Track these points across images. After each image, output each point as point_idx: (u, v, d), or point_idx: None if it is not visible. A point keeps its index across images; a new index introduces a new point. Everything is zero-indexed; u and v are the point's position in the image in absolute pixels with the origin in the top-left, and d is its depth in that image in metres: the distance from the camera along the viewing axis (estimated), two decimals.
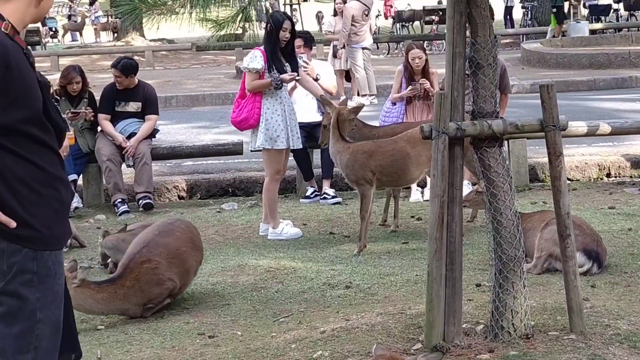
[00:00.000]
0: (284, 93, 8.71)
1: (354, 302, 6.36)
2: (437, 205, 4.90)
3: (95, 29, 42.67)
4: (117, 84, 10.53)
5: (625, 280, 6.59)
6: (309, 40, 10.52)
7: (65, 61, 27.11)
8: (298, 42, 10.21)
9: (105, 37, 40.78)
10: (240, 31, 5.30)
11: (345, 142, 8.23)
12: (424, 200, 9.51)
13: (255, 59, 8.54)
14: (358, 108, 8.66)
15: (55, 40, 37.94)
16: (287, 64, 8.62)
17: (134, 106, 10.55)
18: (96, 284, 6.44)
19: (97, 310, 6.36)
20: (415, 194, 10.03)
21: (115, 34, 31.63)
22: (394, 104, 10.28)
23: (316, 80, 9.49)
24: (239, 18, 5.10)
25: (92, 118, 10.40)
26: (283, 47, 8.60)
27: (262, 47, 8.58)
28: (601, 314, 5.42)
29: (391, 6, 35.14)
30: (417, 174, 8.18)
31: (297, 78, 8.72)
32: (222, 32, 5.21)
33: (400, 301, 6.20)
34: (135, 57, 27.60)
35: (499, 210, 5.04)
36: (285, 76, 8.54)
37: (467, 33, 5.00)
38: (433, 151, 4.92)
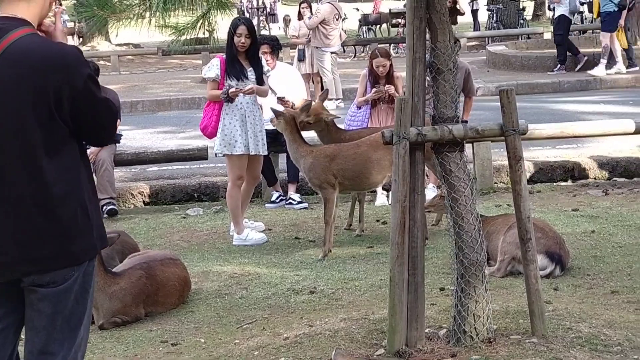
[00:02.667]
0: (245, 99, 8.58)
1: (318, 308, 6.35)
2: (399, 211, 4.90)
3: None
4: None
5: (587, 283, 6.63)
6: (275, 46, 10.49)
7: None
8: (264, 48, 10.20)
9: (72, 41, 40.55)
10: (202, 35, 5.25)
11: (308, 146, 8.23)
12: (390, 204, 9.51)
13: (211, 68, 8.55)
14: (307, 106, 8.62)
15: None
16: (251, 68, 8.58)
17: None
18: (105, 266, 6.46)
19: None
20: (381, 198, 10.05)
21: (81, 39, 31.39)
22: (359, 107, 10.27)
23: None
24: (199, 24, 5.07)
25: None
26: (246, 53, 8.58)
27: (223, 55, 8.59)
28: (563, 317, 5.44)
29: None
30: (379, 178, 8.17)
31: (246, 91, 8.48)
32: (182, 38, 5.18)
33: (364, 306, 6.20)
34: (101, 62, 27.56)
35: (461, 214, 5.05)
36: (232, 90, 8.43)
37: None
38: (394, 156, 4.92)
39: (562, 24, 20.30)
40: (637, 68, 19.52)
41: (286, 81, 10.26)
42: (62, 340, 3.56)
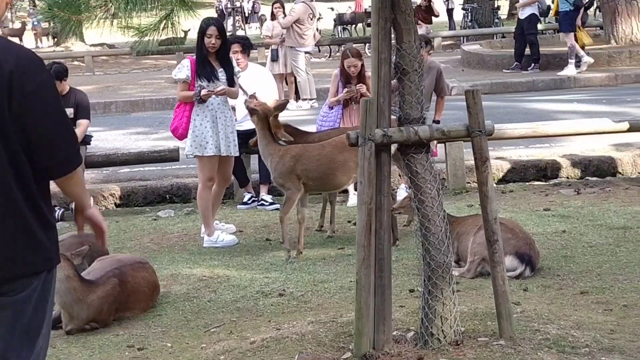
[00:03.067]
0: (216, 100, 8.55)
1: (286, 311, 6.30)
2: (365, 213, 4.86)
3: (35, 34, 42.14)
4: None
5: (557, 283, 6.61)
6: (246, 45, 10.42)
7: None
8: (235, 47, 10.15)
9: (47, 42, 40.29)
10: (164, 36, 5.19)
11: (277, 145, 8.18)
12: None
13: (181, 69, 8.52)
14: (282, 105, 8.57)
15: None
16: (221, 69, 8.54)
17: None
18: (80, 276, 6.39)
19: (62, 292, 6.19)
20: (353, 198, 9.99)
21: (55, 39, 31.26)
22: (331, 108, 10.22)
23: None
24: (162, 25, 5.01)
25: None
26: (217, 54, 8.53)
27: (194, 55, 8.54)
28: (531, 319, 5.42)
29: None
30: (344, 180, 8.13)
31: (218, 92, 8.44)
32: (145, 39, 5.12)
33: (333, 308, 6.16)
34: (75, 63, 27.42)
35: (427, 216, 5.01)
36: (203, 92, 8.40)
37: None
38: (360, 158, 4.88)
39: (533, 23, 20.33)
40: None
41: (258, 82, 10.20)
42: (21, 350, 3.49)
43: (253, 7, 42.85)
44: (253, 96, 8.82)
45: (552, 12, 20.85)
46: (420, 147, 5.00)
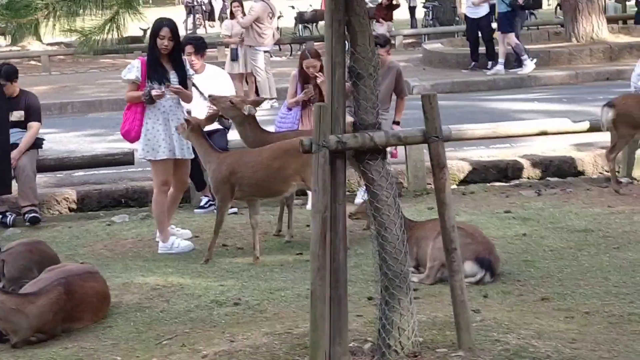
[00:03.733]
0: (168, 102, 8.37)
1: (241, 321, 6.12)
2: (319, 222, 4.71)
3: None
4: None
5: (517, 289, 6.49)
6: (200, 46, 10.20)
7: None
8: (188, 48, 9.96)
9: (4, 41, 39.76)
10: (110, 39, 5.00)
11: (215, 152, 8.16)
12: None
13: (131, 70, 8.35)
14: (258, 101, 8.49)
15: None
16: (174, 72, 8.36)
17: (16, 115, 10.14)
18: (2, 289, 6.28)
19: None
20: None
21: (12, 39, 30.79)
22: (289, 109, 10.04)
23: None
24: (107, 27, 4.82)
25: None
26: (169, 56, 8.35)
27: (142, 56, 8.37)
28: (491, 328, 5.30)
29: None
30: (283, 187, 8.03)
31: (172, 90, 8.30)
32: (90, 43, 4.93)
33: (290, 318, 5.99)
34: (32, 62, 27.01)
35: (384, 224, 4.87)
36: (153, 92, 8.22)
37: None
38: (313, 165, 4.72)
39: (489, 22, 20.24)
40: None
41: (215, 83, 10.00)
42: None
43: (224, 4, 42.43)
44: (212, 97, 8.72)
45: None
46: (376, 154, 4.85)
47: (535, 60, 19.47)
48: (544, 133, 10.39)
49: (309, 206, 9.66)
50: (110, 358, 5.61)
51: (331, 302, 4.84)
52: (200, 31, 41.37)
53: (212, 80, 10.04)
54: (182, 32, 36.05)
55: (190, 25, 41.76)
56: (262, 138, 8.70)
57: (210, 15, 41.42)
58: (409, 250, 6.96)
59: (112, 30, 4.82)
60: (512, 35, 19.16)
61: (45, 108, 19.18)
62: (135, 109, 8.39)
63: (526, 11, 21.21)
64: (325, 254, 4.75)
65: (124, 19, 4.82)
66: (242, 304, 6.51)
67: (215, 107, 8.84)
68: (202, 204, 10.15)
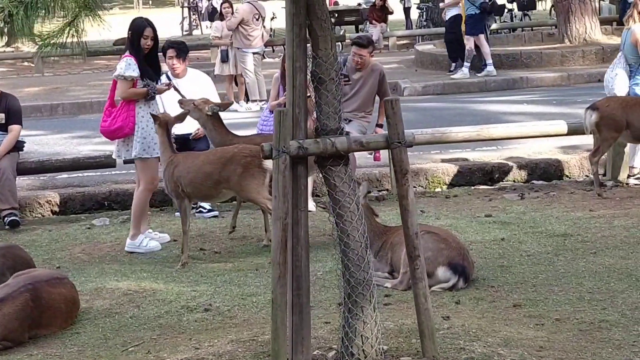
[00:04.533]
0: (155, 102, 8.60)
1: (210, 327, 6.06)
2: (280, 228, 4.64)
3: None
4: None
5: (491, 295, 6.41)
6: (181, 50, 10.14)
7: None
8: (170, 52, 9.92)
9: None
10: (70, 42, 4.94)
11: (171, 153, 8.26)
12: (315, 210, 9.12)
13: (130, 67, 8.32)
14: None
15: None
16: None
17: None
18: None
19: None
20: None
21: (6, 39, 30.75)
22: (271, 112, 9.98)
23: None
24: (66, 31, 4.76)
25: None
26: (148, 55, 8.43)
27: (130, 55, 8.33)
28: (458, 336, 5.23)
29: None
30: (213, 192, 8.16)
31: (171, 86, 8.77)
32: (48, 48, 4.87)
33: (258, 324, 5.93)
34: (25, 63, 26.93)
35: (346, 231, 4.80)
36: (161, 87, 8.53)
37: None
38: (274, 171, 4.66)
39: (457, 24, 20.18)
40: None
41: (197, 86, 9.94)
42: None
43: (221, 5, 42.34)
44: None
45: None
46: (338, 159, 4.78)
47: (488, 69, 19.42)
48: (527, 136, 10.33)
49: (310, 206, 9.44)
50: None
51: (293, 310, 4.78)
52: (196, 32, 41.39)
53: (194, 84, 9.97)
54: (178, 34, 36.11)
55: (186, 27, 41.73)
56: (226, 140, 8.80)
57: (210, 16, 41.31)
58: (383, 255, 7.03)
59: (72, 34, 4.74)
60: (482, 37, 19.14)
61: (36, 109, 19.22)
62: (129, 106, 8.44)
63: (492, 15, 21.08)
64: (287, 261, 4.68)
65: (83, 23, 4.75)
66: (213, 309, 6.45)
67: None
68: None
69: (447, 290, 6.55)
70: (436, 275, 6.63)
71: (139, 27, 8.40)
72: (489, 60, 19.29)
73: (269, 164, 7.78)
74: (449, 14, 20.24)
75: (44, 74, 25.43)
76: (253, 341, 5.37)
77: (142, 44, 8.34)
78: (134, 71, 8.31)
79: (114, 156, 8.83)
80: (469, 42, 19.19)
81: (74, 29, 4.75)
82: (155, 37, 8.42)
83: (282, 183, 4.63)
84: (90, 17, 4.78)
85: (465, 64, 19.22)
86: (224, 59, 17.92)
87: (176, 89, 9.54)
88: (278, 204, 4.64)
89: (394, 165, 4.81)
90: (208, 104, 8.76)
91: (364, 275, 4.82)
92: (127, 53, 8.39)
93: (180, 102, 8.91)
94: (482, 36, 19.13)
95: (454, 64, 20.18)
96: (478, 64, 19.46)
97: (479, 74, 19.22)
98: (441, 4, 20.06)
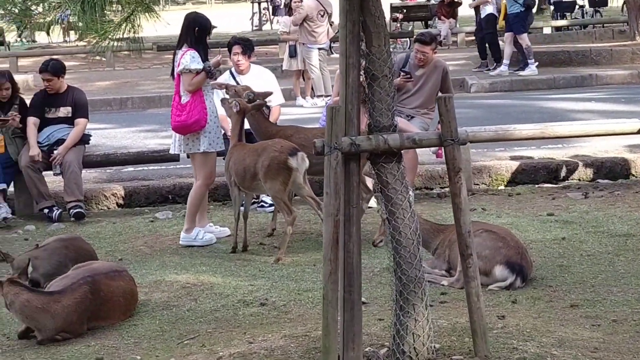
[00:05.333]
0: (210, 91, 8.71)
1: (265, 322, 6.09)
2: (331, 225, 4.64)
3: (63, 29, 42.04)
4: (48, 89, 10.24)
5: (548, 295, 6.35)
6: (247, 47, 10.20)
7: (25, 62, 26.72)
8: (236, 49, 9.99)
9: (74, 36, 40.22)
10: (128, 37, 5.00)
11: (236, 142, 8.42)
12: (369, 207, 9.09)
13: (194, 60, 8.41)
14: (259, 105, 8.79)
15: None
16: None
17: (64, 111, 10.28)
18: (28, 287, 6.26)
19: (18, 312, 6.08)
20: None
21: (77, 34, 31.17)
22: None
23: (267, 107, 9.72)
24: (123, 26, 4.81)
25: (19, 124, 10.07)
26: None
27: (191, 48, 8.41)
28: (511, 335, 5.19)
29: None
30: (253, 184, 8.21)
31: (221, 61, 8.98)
32: (105, 43, 4.93)
33: (312, 320, 5.94)
34: (97, 58, 27.28)
35: (398, 228, 4.79)
36: (214, 60, 8.60)
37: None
38: (325, 168, 4.66)
39: (491, 23, 20.02)
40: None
41: (261, 83, 9.99)
42: None
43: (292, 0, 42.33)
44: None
45: (500, 17, 20.31)
46: (390, 156, 4.77)
47: (537, 64, 19.15)
48: (593, 135, 10.19)
49: (371, 203, 9.38)
50: (130, 357, 5.61)
51: (344, 307, 4.78)
52: (266, 27, 41.53)
53: (258, 80, 10.03)
54: (248, 29, 36.28)
55: (256, 22, 41.88)
56: (264, 128, 8.90)
57: (274, 11, 41.39)
58: (441, 253, 7.00)
59: (128, 30, 4.80)
60: (525, 36, 18.95)
61: (106, 103, 19.51)
62: (200, 99, 8.51)
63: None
64: (338, 258, 4.69)
65: (139, 19, 4.80)
66: (269, 304, 6.48)
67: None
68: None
69: (504, 289, 6.50)
70: (493, 274, 6.60)
71: (207, 23, 8.54)
72: (507, 61, 19.14)
73: (293, 162, 7.84)
74: (483, 12, 20.07)
75: (115, 68, 25.75)
76: (306, 337, 5.38)
77: (207, 40, 8.50)
78: (198, 64, 8.38)
79: (173, 151, 8.84)
80: (523, 41, 19.03)
81: (129, 25, 4.80)
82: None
83: (334, 180, 4.62)
84: (146, 13, 4.82)
85: (529, 60, 19.04)
86: (292, 54, 17.99)
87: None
88: (330, 200, 4.64)
89: (447, 162, 4.79)
90: (247, 91, 8.81)
91: (416, 272, 4.81)
92: (185, 47, 8.44)
93: (225, 87, 9.06)
94: (525, 35, 18.95)
95: (481, 62, 20.08)
96: (516, 63, 19.35)
97: (522, 73, 19.03)
98: (469, 3, 19.93)
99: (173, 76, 8.65)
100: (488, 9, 19.98)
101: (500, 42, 20.07)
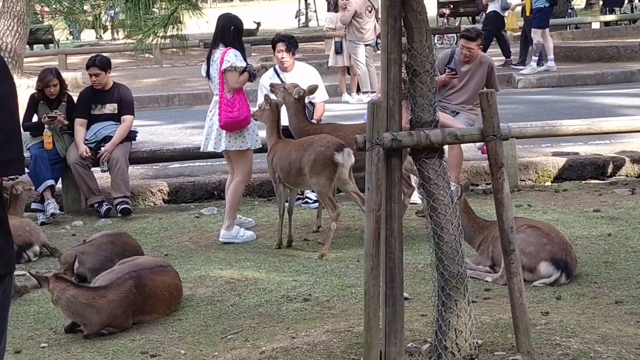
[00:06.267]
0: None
1: (308, 317, 6.12)
2: (372, 220, 4.64)
3: (111, 26, 42.42)
4: (94, 84, 10.34)
5: (592, 292, 6.31)
6: (291, 44, 10.22)
7: (73, 59, 27.02)
8: (280, 46, 10.01)
9: (122, 34, 40.58)
10: (172, 34, 5.04)
11: (276, 138, 8.49)
12: (411, 202, 9.07)
13: (238, 58, 8.51)
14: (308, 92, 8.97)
15: None
16: None
17: (110, 108, 10.37)
18: (74, 282, 6.33)
19: (64, 307, 6.16)
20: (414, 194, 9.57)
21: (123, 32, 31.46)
22: None
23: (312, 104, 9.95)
24: (167, 24, 4.85)
25: (66, 123, 10.19)
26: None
27: (231, 47, 8.50)
28: (555, 332, 5.15)
29: None
30: (299, 180, 8.21)
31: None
32: (149, 40, 4.98)
33: (355, 315, 5.95)
34: (145, 55, 27.48)
35: (440, 224, 4.78)
36: (256, 65, 8.95)
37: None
38: (367, 163, 4.66)
39: (491, 20, 19.89)
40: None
41: (305, 80, 10.01)
42: None
43: None
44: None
45: (526, 11, 20.03)
46: (432, 152, 4.76)
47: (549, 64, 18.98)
48: (637, 130, 10.09)
49: (414, 198, 9.33)
50: (174, 351, 5.67)
51: (386, 302, 4.78)
52: (312, 24, 41.58)
53: (302, 77, 10.04)
54: (294, 25, 36.46)
55: (302, 19, 41.95)
56: (302, 127, 8.91)
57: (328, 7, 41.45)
58: (484, 249, 6.98)
59: (172, 27, 4.83)
60: (541, 32, 18.81)
61: (153, 100, 19.66)
62: (243, 96, 8.66)
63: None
64: (379, 253, 4.69)
65: (182, 16, 4.84)
66: (312, 300, 6.51)
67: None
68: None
69: (549, 286, 6.47)
70: (538, 270, 6.57)
71: (241, 23, 8.73)
72: (551, 56, 18.98)
73: (339, 157, 7.84)
74: (489, 8, 19.95)
75: (162, 65, 25.96)
76: (348, 332, 5.39)
77: (242, 40, 8.71)
78: (242, 62, 8.49)
79: (209, 149, 8.90)
80: (536, 36, 18.89)
81: (174, 22, 4.84)
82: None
83: (376, 175, 4.62)
84: (190, 10, 4.86)
85: (533, 58, 18.93)
86: (338, 51, 17.98)
87: (283, 83, 9.69)
88: (371, 196, 4.64)
89: (489, 158, 4.77)
90: (296, 87, 8.85)
91: (458, 268, 4.79)
92: (225, 47, 8.51)
93: (272, 86, 9.12)
94: (542, 31, 18.80)
95: (505, 60, 20.00)
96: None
97: (539, 68, 18.90)
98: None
99: (208, 75, 8.71)
100: (493, 6, 19.92)
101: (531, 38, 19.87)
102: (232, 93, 8.53)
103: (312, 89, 9.12)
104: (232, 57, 8.48)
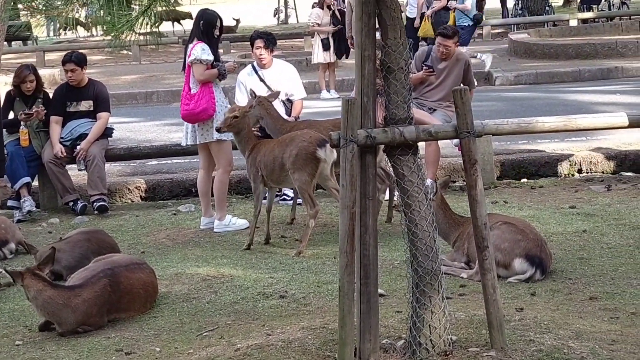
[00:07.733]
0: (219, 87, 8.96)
1: (284, 314, 6.12)
2: (347, 217, 4.65)
3: (90, 23, 42.25)
4: (70, 80, 10.29)
5: (567, 288, 6.34)
6: (270, 41, 10.20)
7: (51, 56, 26.89)
8: (258, 42, 9.98)
9: (100, 31, 40.43)
10: (145, 33, 5.03)
11: (253, 140, 8.46)
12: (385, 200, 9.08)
13: (205, 52, 8.66)
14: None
15: None
16: None
17: (85, 105, 10.33)
18: (51, 282, 6.29)
19: (40, 307, 6.13)
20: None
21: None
22: None
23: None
24: (139, 21, 4.84)
25: (43, 117, 10.15)
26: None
27: (200, 41, 8.64)
28: (529, 327, 5.18)
29: None
30: (286, 176, 8.14)
31: (237, 66, 9.21)
32: (124, 36, 4.96)
33: (331, 312, 5.95)
34: (124, 52, 27.42)
35: (414, 221, 4.79)
36: (229, 64, 8.94)
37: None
38: (341, 160, 4.67)
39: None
40: None
41: (283, 77, 10.02)
42: None
43: None
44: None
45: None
46: (406, 149, 4.78)
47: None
48: (616, 127, 10.14)
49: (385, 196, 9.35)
50: (149, 349, 5.65)
51: (361, 299, 4.80)
52: (292, 20, 41.56)
53: (280, 74, 10.04)
54: (274, 22, 36.38)
55: (282, 17, 41.90)
56: (279, 125, 9.00)
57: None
58: (460, 246, 7.01)
59: (145, 23, 4.82)
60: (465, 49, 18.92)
61: (132, 97, 19.62)
62: (209, 89, 8.74)
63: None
64: (354, 250, 4.70)
65: (155, 13, 4.83)
66: (288, 296, 6.51)
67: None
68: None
69: (524, 282, 6.50)
70: (513, 266, 6.60)
71: (214, 18, 8.80)
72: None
73: (321, 153, 7.84)
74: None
75: (141, 62, 25.88)
76: (324, 329, 5.40)
77: (215, 34, 8.76)
78: (209, 55, 8.62)
79: (186, 143, 8.99)
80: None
81: (147, 19, 4.83)
82: (221, 29, 8.88)
83: (349, 172, 4.63)
84: (163, 6, 4.85)
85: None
86: (326, 47, 17.84)
87: (262, 80, 9.72)
88: (345, 192, 4.65)
89: (463, 155, 4.79)
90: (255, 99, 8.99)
91: (432, 265, 4.81)
92: (196, 41, 8.66)
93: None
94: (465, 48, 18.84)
95: None
96: None
97: None
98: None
99: (184, 69, 8.82)
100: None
101: None
102: (197, 86, 8.70)
103: (274, 95, 9.31)
104: (198, 50, 8.62)
